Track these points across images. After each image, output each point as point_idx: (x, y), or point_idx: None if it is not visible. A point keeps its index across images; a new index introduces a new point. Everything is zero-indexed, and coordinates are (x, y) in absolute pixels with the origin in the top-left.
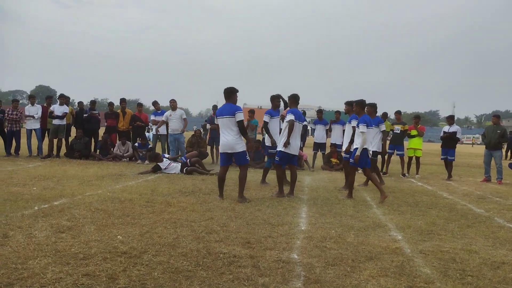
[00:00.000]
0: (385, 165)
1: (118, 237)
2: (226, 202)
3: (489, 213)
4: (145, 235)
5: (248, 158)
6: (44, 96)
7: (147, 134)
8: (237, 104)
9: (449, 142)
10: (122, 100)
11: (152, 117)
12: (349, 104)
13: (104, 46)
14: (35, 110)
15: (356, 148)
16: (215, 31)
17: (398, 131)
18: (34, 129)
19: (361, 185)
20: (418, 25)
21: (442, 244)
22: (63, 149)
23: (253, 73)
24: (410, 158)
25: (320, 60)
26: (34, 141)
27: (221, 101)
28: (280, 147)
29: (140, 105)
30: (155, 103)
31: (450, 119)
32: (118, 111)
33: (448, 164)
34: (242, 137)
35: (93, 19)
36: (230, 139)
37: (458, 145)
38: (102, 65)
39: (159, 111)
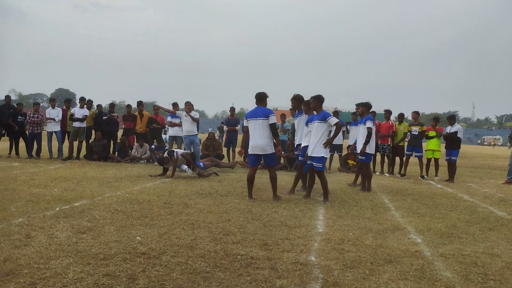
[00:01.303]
0: (403, 167)
1: (137, 238)
2: (243, 204)
3: (511, 216)
4: (163, 236)
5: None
6: (64, 99)
7: (163, 136)
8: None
9: (452, 142)
10: (139, 103)
11: (169, 119)
12: (363, 105)
13: (121, 48)
14: (56, 113)
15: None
16: (230, 32)
17: (416, 133)
18: (54, 132)
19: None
20: (435, 22)
21: (463, 248)
22: (83, 151)
23: (269, 73)
24: (429, 160)
25: (334, 59)
26: (55, 143)
27: (236, 103)
28: (323, 153)
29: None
30: (174, 105)
31: (451, 119)
32: (136, 113)
33: (452, 165)
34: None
35: (111, 22)
36: (262, 141)
37: (479, 147)
38: (120, 67)
39: (176, 114)
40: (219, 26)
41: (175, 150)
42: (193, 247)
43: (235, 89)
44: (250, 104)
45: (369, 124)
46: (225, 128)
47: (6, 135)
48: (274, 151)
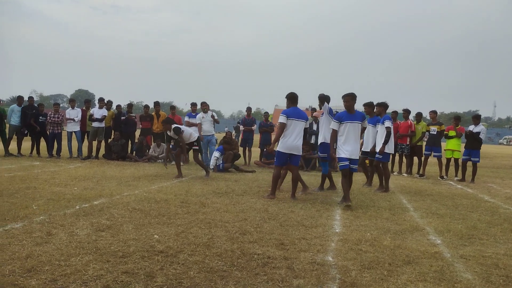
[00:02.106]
0: (422, 167)
1: (155, 236)
2: (259, 203)
3: None
4: (180, 235)
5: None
6: (83, 99)
7: None
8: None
9: (473, 143)
10: (156, 103)
11: (186, 119)
12: (369, 105)
13: (140, 50)
14: (75, 113)
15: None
16: (245, 32)
17: (435, 132)
18: (74, 132)
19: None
20: (453, 21)
21: (484, 249)
22: (102, 151)
23: (283, 71)
24: (448, 160)
25: (348, 57)
26: (75, 143)
27: (252, 103)
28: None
29: (173, 107)
30: (193, 105)
31: (476, 119)
32: (153, 113)
33: (473, 166)
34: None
35: (129, 24)
36: (299, 142)
37: (502, 147)
38: (137, 68)
39: (194, 113)
40: (236, 27)
41: (181, 127)
42: (210, 246)
43: (250, 89)
44: (266, 104)
45: (387, 123)
46: (241, 127)
47: (28, 135)
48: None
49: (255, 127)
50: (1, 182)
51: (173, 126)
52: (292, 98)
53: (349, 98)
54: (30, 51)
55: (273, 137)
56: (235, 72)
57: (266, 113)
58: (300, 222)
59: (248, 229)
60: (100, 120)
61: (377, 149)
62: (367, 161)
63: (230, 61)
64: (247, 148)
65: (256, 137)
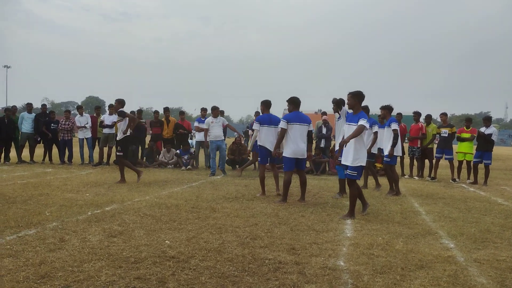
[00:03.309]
0: (433, 170)
1: (166, 242)
2: (269, 208)
3: None
4: (191, 240)
5: None
6: (94, 106)
7: (190, 141)
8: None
9: (485, 144)
10: (166, 109)
11: (196, 124)
12: (384, 108)
13: (149, 56)
14: (85, 119)
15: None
16: (255, 36)
17: (446, 134)
18: (85, 138)
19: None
20: (466, 24)
21: (498, 253)
22: (113, 157)
23: (297, 74)
24: (460, 162)
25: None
26: (86, 149)
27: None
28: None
29: (182, 113)
30: (203, 110)
31: (487, 121)
32: (163, 119)
33: (485, 168)
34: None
35: (139, 30)
36: (304, 146)
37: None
38: (148, 74)
39: (203, 118)
40: (246, 31)
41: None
42: (221, 251)
43: (259, 93)
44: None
45: (394, 126)
46: (250, 132)
47: (41, 142)
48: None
49: None
50: (15, 189)
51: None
52: (294, 102)
53: (349, 97)
54: (42, 59)
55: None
56: (243, 76)
57: (257, 113)
58: (311, 226)
59: (259, 234)
60: (110, 127)
61: (386, 152)
62: (378, 165)
63: (239, 66)
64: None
65: None
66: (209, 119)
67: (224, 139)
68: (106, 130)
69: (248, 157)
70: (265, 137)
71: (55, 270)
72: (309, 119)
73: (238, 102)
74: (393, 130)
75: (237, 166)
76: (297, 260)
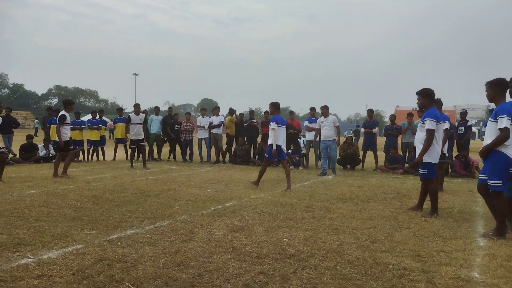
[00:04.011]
0: None
1: (285, 239)
2: (387, 210)
3: None
4: (309, 240)
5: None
6: (203, 108)
7: (299, 140)
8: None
9: None
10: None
11: (306, 123)
12: (422, 93)
13: (259, 57)
14: (205, 121)
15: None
16: (363, 33)
17: None
18: (204, 138)
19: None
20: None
21: None
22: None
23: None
24: None
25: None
26: (204, 148)
27: (371, 104)
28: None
29: (292, 112)
30: (311, 109)
31: None
32: None
33: None
34: None
35: (250, 33)
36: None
37: None
38: (257, 75)
39: (313, 118)
40: (353, 28)
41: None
42: (341, 252)
43: (369, 90)
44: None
45: (428, 124)
46: (362, 130)
47: (167, 141)
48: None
49: (376, 130)
50: (148, 184)
51: (303, 153)
52: (276, 106)
53: (419, 97)
54: (163, 65)
55: (399, 140)
56: (352, 73)
57: (393, 115)
58: (436, 232)
59: (378, 238)
60: (218, 127)
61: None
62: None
63: (347, 63)
64: (368, 151)
65: (381, 140)
66: (320, 118)
67: (335, 139)
68: (214, 131)
69: (359, 157)
70: (278, 136)
71: (188, 260)
72: (285, 121)
73: (345, 99)
74: (427, 130)
75: (348, 166)
76: (424, 268)
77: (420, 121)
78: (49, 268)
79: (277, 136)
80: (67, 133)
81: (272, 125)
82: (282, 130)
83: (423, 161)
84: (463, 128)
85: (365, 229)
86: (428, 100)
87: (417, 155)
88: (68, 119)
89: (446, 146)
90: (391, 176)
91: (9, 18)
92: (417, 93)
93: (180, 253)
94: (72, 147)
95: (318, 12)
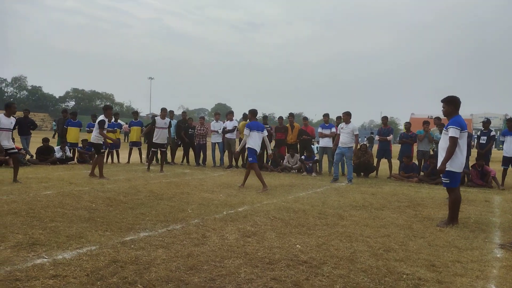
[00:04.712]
0: None
1: (297, 246)
2: (401, 219)
3: None
4: (322, 247)
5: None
6: (216, 112)
7: (313, 146)
8: None
9: None
10: (290, 115)
11: (319, 130)
12: (447, 102)
13: (273, 61)
14: (219, 125)
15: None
16: (379, 38)
17: None
18: (217, 143)
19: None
20: None
21: None
22: (240, 160)
23: (420, 76)
24: None
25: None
26: (217, 152)
27: (385, 111)
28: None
29: (305, 118)
30: (325, 115)
31: None
32: (287, 125)
33: None
34: None
35: (265, 38)
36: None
37: None
38: (271, 80)
39: (327, 124)
40: (370, 33)
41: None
42: (353, 260)
43: (382, 98)
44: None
45: (452, 132)
46: (376, 138)
47: (181, 145)
48: None
49: (391, 137)
50: (161, 187)
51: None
52: (253, 113)
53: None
54: (178, 69)
55: (414, 148)
56: (367, 79)
57: (408, 123)
58: (451, 242)
59: (392, 246)
60: (231, 131)
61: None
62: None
63: (361, 69)
64: (382, 159)
65: (395, 148)
66: (341, 124)
67: (352, 147)
68: (228, 135)
69: (374, 165)
70: (254, 140)
71: (200, 263)
72: (264, 126)
73: (360, 106)
74: (450, 138)
75: (362, 173)
76: (439, 279)
77: (444, 129)
78: (63, 269)
79: (250, 140)
80: (101, 137)
81: (245, 131)
82: (257, 135)
83: (446, 169)
84: (485, 137)
85: (379, 238)
86: (452, 108)
87: (439, 163)
88: (107, 124)
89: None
90: (405, 185)
91: (29, 21)
92: (442, 101)
93: (193, 257)
94: (102, 150)
95: (333, 17)
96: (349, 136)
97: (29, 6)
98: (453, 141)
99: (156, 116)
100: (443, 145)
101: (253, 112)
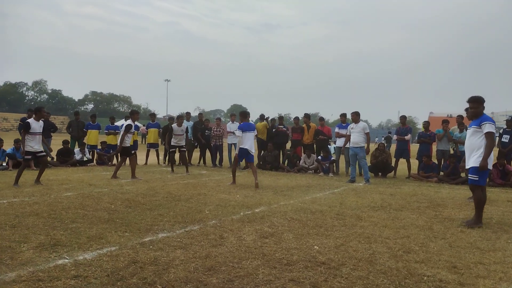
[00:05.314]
0: None
1: (315, 247)
2: (421, 220)
3: None
4: (340, 248)
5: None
6: (233, 113)
7: (329, 147)
8: None
9: None
10: (306, 115)
11: (336, 130)
12: (474, 101)
13: (288, 62)
14: (235, 126)
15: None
16: (393, 36)
17: None
18: (233, 144)
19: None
20: None
21: None
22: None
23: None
24: None
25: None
26: (233, 154)
27: (403, 110)
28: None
29: (322, 119)
30: (342, 115)
31: None
32: (303, 125)
33: None
34: None
35: (280, 39)
36: (252, 147)
37: None
38: (287, 80)
39: (344, 124)
40: (384, 31)
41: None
42: (373, 262)
43: (400, 95)
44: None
45: (489, 127)
46: (394, 137)
47: (198, 147)
48: None
49: (409, 137)
50: (178, 188)
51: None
52: (244, 114)
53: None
54: (194, 72)
55: (433, 148)
56: (384, 79)
57: (426, 122)
58: (473, 244)
59: (412, 248)
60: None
61: (471, 164)
62: None
63: (378, 68)
64: (401, 159)
65: (413, 148)
66: (351, 124)
67: (364, 146)
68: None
69: (392, 165)
70: (245, 140)
71: (218, 265)
72: (255, 127)
73: (377, 105)
74: (487, 133)
75: (380, 173)
76: (461, 281)
77: (475, 126)
78: (84, 269)
79: (243, 140)
80: (128, 140)
81: (238, 133)
82: (249, 135)
83: (472, 166)
84: (508, 136)
85: (398, 239)
86: (480, 107)
87: (467, 162)
88: (133, 128)
89: None
90: (424, 185)
91: (49, 27)
92: (469, 101)
93: (211, 258)
94: (133, 151)
95: (349, 17)
96: (360, 136)
97: (50, 12)
98: (491, 137)
99: (172, 118)
100: (473, 143)
101: (244, 114)
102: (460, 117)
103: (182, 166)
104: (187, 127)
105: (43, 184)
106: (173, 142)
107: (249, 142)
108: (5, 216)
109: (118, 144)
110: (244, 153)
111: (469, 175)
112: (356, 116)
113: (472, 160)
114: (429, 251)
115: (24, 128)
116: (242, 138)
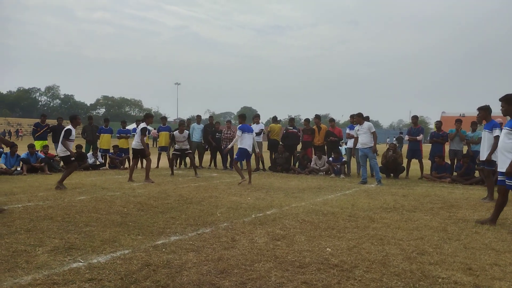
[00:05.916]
0: None
1: (328, 249)
2: (435, 221)
3: None
4: (353, 250)
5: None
6: (240, 115)
7: (340, 148)
8: None
9: None
10: (317, 116)
11: (347, 131)
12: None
13: (299, 65)
14: (256, 127)
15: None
16: (406, 39)
17: None
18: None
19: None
20: None
21: None
22: (267, 164)
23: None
24: None
25: None
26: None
27: (414, 110)
28: None
29: (332, 120)
30: (352, 116)
31: None
32: (314, 127)
33: None
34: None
35: (290, 40)
36: (250, 147)
37: None
38: (297, 82)
39: (354, 125)
40: (395, 33)
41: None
42: (386, 263)
43: (411, 95)
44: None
45: (497, 132)
46: (406, 137)
47: (208, 149)
48: None
49: (421, 137)
50: (190, 191)
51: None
52: (242, 117)
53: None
54: (204, 74)
55: (446, 148)
56: (395, 79)
57: (439, 122)
58: (488, 245)
59: (426, 249)
60: (258, 135)
61: (483, 157)
62: None
63: (389, 69)
64: (411, 160)
65: (426, 148)
66: (357, 126)
67: (372, 146)
68: (255, 138)
69: (403, 165)
70: (244, 141)
71: (231, 267)
72: (252, 129)
73: (388, 106)
74: (496, 137)
75: (391, 174)
76: (476, 283)
77: (507, 128)
78: (98, 272)
79: (242, 141)
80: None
81: (238, 133)
82: (248, 136)
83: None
84: None
85: (412, 240)
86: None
87: (499, 165)
88: (148, 131)
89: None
90: (437, 185)
91: (62, 33)
92: (501, 99)
93: (223, 261)
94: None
95: (358, 18)
96: (367, 136)
97: (62, 18)
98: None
99: (183, 121)
100: (506, 145)
101: (243, 116)
102: (459, 120)
103: (191, 169)
104: (188, 133)
105: (62, 188)
106: (177, 147)
107: (248, 142)
108: (20, 220)
109: (143, 147)
110: (244, 153)
111: (505, 178)
112: (359, 118)
113: (508, 163)
114: (443, 253)
115: (65, 135)
116: (241, 139)
